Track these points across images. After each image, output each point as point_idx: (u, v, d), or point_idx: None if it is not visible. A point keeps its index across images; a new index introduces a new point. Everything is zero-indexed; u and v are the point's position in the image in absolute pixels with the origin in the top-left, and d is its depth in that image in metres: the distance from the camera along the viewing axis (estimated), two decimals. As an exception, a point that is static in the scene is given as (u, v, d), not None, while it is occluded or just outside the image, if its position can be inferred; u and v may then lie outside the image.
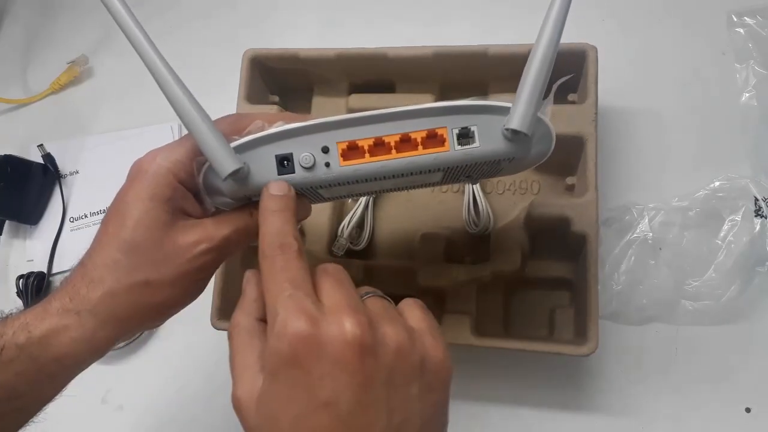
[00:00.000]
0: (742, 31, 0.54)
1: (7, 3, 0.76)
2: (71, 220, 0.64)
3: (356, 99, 0.54)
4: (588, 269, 0.44)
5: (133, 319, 0.32)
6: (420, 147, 0.31)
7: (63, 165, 0.66)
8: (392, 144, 0.31)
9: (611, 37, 0.55)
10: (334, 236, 0.52)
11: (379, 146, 0.31)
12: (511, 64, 0.48)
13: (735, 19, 0.54)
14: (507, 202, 0.51)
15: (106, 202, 0.69)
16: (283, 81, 0.56)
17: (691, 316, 0.48)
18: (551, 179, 0.51)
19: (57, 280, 0.62)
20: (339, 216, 0.53)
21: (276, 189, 0.31)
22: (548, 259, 0.50)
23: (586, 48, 0.47)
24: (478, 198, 0.50)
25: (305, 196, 0.33)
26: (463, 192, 0.51)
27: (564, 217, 0.46)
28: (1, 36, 0.75)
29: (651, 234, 0.50)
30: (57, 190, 0.65)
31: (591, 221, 0.45)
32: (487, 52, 0.49)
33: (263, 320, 0.29)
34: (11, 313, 0.32)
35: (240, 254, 0.52)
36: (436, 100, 0.52)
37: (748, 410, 0.47)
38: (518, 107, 0.29)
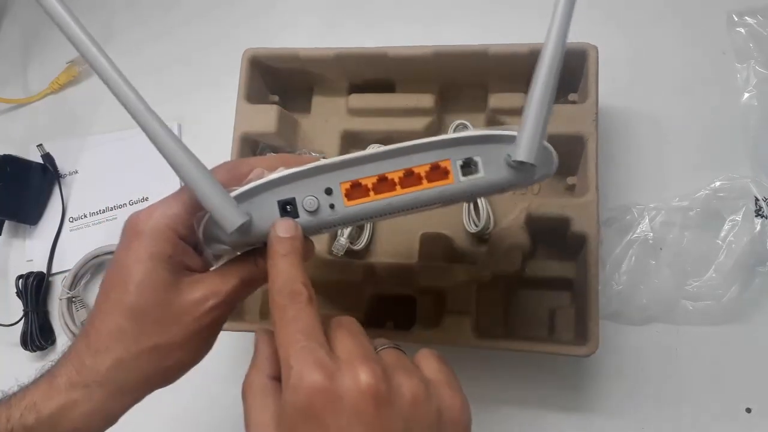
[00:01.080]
0: (742, 30, 0.54)
1: (6, 3, 0.76)
2: (71, 220, 0.64)
3: (356, 99, 0.54)
4: (588, 269, 0.44)
5: (144, 386, 0.32)
6: (424, 181, 0.30)
7: (62, 165, 0.66)
8: (396, 180, 0.30)
9: (612, 37, 0.55)
10: (334, 236, 0.52)
11: (383, 183, 0.30)
12: (511, 64, 0.49)
13: (735, 19, 0.54)
14: (507, 202, 0.51)
15: (105, 202, 0.69)
16: (283, 81, 0.56)
17: (691, 316, 0.48)
18: (551, 179, 0.51)
19: (57, 280, 0.62)
20: (339, 216, 0.53)
21: (283, 230, 0.30)
22: (548, 259, 0.50)
23: (587, 48, 0.47)
24: (478, 198, 0.50)
25: (306, 234, 0.33)
26: (464, 192, 0.51)
27: (564, 217, 0.46)
28: (0, 36, 0.75)
29: (651, 234, 0.50)
30: (56, 190, 0.65)
31: (591, 221, 0.45)
32: (487, 52, 0.49)
33: (276, 378, 0.28)
34: (14, 393, 0.31)
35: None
36: (436, 100, 0.52)
37: (748, 410, 0.46)
38: (524, 138, 0.29)
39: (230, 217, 0.29)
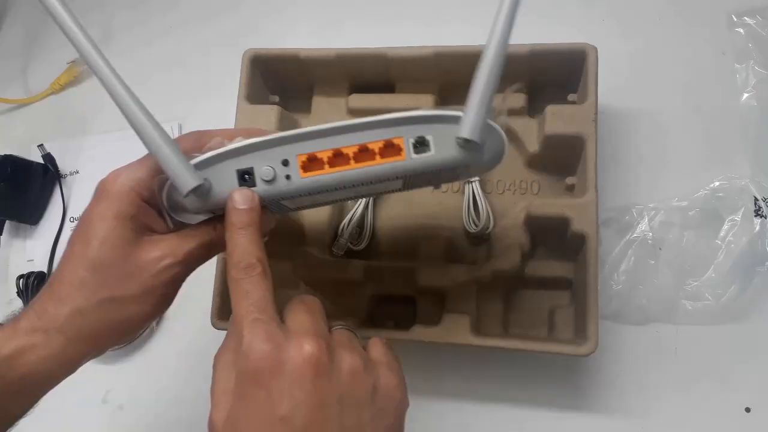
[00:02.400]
0: (742, 31, 0.54)
1: (7, 3, 0.76)
2: (71, 220, 0.64)
3: (356, 99, 0.54)
4: (588, 269, 0.44)
5: (101, 336, 0.33)
6: (378, 157, 0.32)
7: (63, 165, 0.66)
8: (351, 155, 0.32)
9: (611, 37, 0.55)
10: (334, 236, 0.52)
11: (338, 157, 0.32)
12: (511, 64, 0.48)
13: (735, 19, 0.54)
14: (507, 202, 0.51)
15: (106, 202, 0.68)
16: (283, 81, 0.56)
17: (690, 316, 0.48)
18: (551, 179, 0.51)
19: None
20: (339, 216, 0.53)
21: (241, 201, 0.32)
22: (548, 259, 0.50)
23: (586, 48, 0.47)
24: (478, 198, 0.50)
25: (268, 208, 0.34)
26: (463, 192, 0.51)
27: (564, 217, 0.46)
28: (1, 36, 0.75)
29: (651, 234, 0.50)
30: (57, 190, 0.65)
31: (591, 221, 0.45)
32: (487, 53, 0.49)
33: None
34: None
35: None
36: (436, 101, 0.52)
37: (747, 410, 0.47)
38: (468, 117, 0.31)
39: (186, 180, 0.31)
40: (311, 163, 0.32)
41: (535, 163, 0.51)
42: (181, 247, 0.33)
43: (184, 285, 0.62)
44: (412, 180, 0.34)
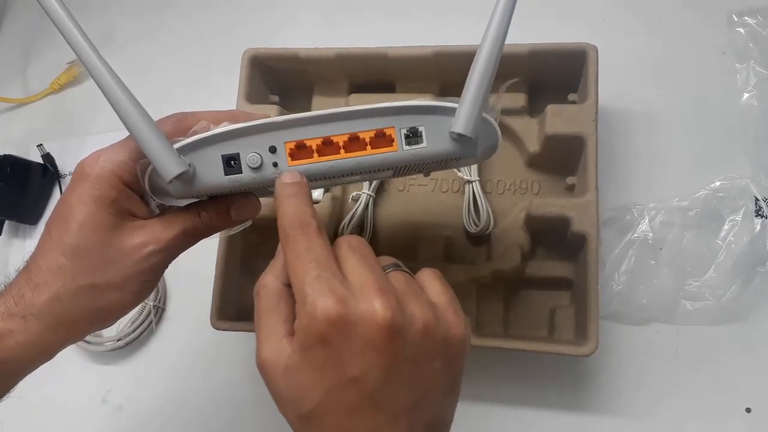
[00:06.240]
0: (742, 30, 0.54)
1: (7, 3, 0.76)
2: (71, 220, 0.64)
3: (356, 99, 0.54)
4: (588, 269, 0.44)
5: (81, 323, 0.32)
6: (368, 147, 0.31)
7: (62, 165, 0.66)
8: (341, 144, 0.31)
9: (611, 37, 0.55)
10: (334, 236, 0.52)
11: (327, 146, 0.31)
12: (511, 64, 0.48)
13: (735, 19, 0.54)
14: (507, 202, 0.51)
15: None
16: (283, 81, 0.56)
17: (691, 316, 0.48)
18: (551, 179, 0.51)
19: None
20: (339, 216, 0.53)
21: (289, 178, 0.30)
22: (548, 259, 0.50)
23: (587, 48, 0.47)
24: (478, 198, 0.50)
25: (253, 193, 0.33)
26: (463, 192, 0.51)
27: (564, 217, 0.46)
28: (0, 36, 0.75)
29: (651, 234, 0.50)
30: (56, 190, 0.65)
31: (591, 221, 0.45)
32: (488, 52, 0.49)
33: (290, 286, 0.29)
34: None
35: (239, 256, 0.52)
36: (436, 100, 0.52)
37: (748, 410, 0.46)
38: (462, 111, 0.30)
39: (169, 166, 0.30)
40: (299, 150, 0.31)
41: (536, 163, 0.51)
42: (164, 233, 0.32)
43: (184, 285, 0.62)
44: (403, 169, 0.34)
